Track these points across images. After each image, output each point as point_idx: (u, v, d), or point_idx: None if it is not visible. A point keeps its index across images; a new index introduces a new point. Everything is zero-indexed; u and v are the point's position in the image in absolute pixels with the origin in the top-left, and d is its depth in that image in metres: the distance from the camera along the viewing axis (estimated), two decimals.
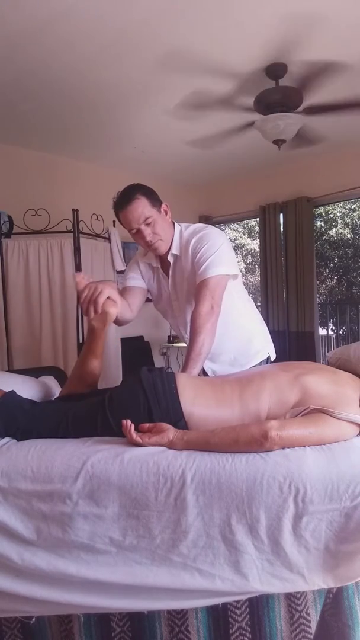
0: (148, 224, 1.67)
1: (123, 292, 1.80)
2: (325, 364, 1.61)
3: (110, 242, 3.77)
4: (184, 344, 1.94)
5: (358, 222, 9.25)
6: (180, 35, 2.41)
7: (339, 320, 6.32)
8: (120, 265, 3.77)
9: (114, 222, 3.12)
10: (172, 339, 4.70)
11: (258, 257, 5.86)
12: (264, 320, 2.05)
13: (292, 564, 1.04)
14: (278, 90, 2.79)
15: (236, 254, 7.37)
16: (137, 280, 1.87)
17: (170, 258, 1.76)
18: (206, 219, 5.22)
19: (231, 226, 9.52)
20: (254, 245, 9.86)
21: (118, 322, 1.73)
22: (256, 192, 4.85)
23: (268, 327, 2.03)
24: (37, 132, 3.59)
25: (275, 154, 3.42)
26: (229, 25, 2.35)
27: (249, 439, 1.07)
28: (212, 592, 1.06)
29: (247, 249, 10.26)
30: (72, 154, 4.12)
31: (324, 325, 6.75)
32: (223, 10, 2.22)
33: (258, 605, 1.12)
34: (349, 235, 9.18)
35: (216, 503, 1.04)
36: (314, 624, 1.11)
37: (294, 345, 4.57)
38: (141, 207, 1.64)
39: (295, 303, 4.57)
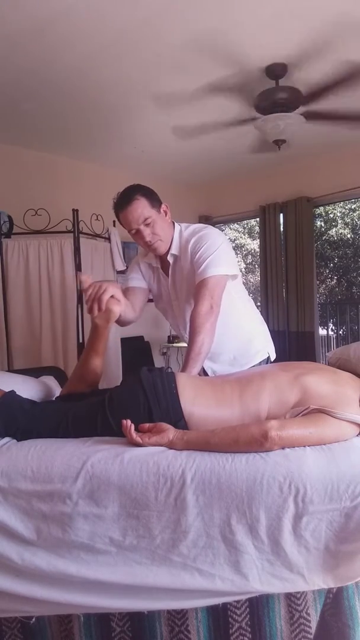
0: (147, 225, 1.67)
1: (125, 292, 1.80)
2: (325, 364, 1.61)
3: (110, 242, 3.76)
4: (184, 344, 1.94)
5: (358, 222, 9.25)
6: (180, 35, 2.41)
7: (339, 320, 6.32)
8: (120, 265, 3.77)
9: (114, 222, 3.12)
10: (172, 339, 4.70)
11: (258, 257, 5.86)
12: (264, 320, 2.05)
13: (292, 564, 1.04)
14: (278, 90, 2.79)
15: (236, 254, 7.37)
16: (139, 280, 1.88)
17: (169, 258, 1.77)
18: (206, 219, 5.22)
19: (231, 226, 9.52)
20: (254, 245, 9.86)
21: (121, 322, 1.74)
22: (256, 192, 4.85)
23: (268, 327, 2.03)
24: (37, 132, 3.59)
25: (275, 154, 3.41)
26: (229, 25, 2.35)
27: (249, 439, 1.07)
28: (212, 592, 1.06)
29: (247, 249, 10.26)
30: (72, 153, 4.12)
31: (324, 325, 6.75)
32: (223, 9, 2.22)
33: (258, 605, 1.12)
34: (349, 235, 9.18)
35: (216, 503, 1.04)
36: (314, 624, 1.11)
37: (294, 345, 4.57)
38: (140, 208, 1.64)
39: (295, 303, 4.57)
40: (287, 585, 1.05)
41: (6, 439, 1.22)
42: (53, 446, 1.15)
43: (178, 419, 1.19)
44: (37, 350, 3.39)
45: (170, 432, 1.13)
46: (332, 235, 9.26)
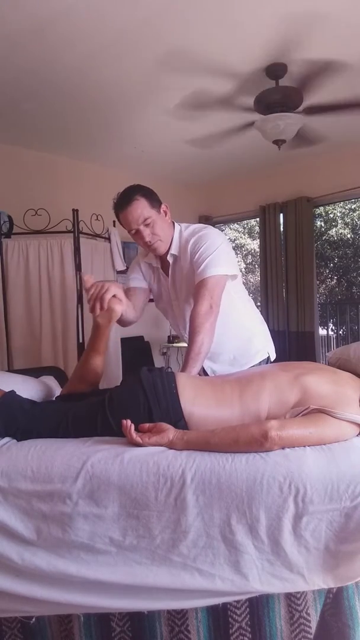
0: (147, 225, 1.68)
1: (126, 293, 1.80)
2: (325, 364, 1.61)
3: (110, 242, 3.76)
4: (184, 344, 1.95)
5: (358, 222, 9.24)
6: (180, 35, 2.41)
7: (339, 320, 6.32)
8: (120, 265, 3.77)
9: (114, 222, 3.12)
10: (172, 339, 4.70)
11: (258, 257, 5.86)
12: (264, 320, 2.05)
13: (292, 564, 1.04)
14: (278, 90, 2.79)
15: (236, 254, 7.37)
16: (140, 281, 1.88)
17: (169, 258, 1.77)
18: (206, 219, 5.22)
19: (231, 226, 9.53)
20: (254, 245, 9.86)
21: (123, 322, 1.74)
22: (256, 192, 4.85)
23: (268, 327, 2.03)
24: (37, 132, 3.59)
25: (275, 154, 3.42)
26: (229, 25, 2.35)
27: (249, 439, 1.07)
28: (212, 592, 1.06)
29: (247, 249, 10.26)
30: (72, 153, 4.12)
31: (324, 325, 6.75)
32: (223, 9, 2.22)
33: (258, 605, 1.12)
34: (349, 235, 9.18)
35: (216, 503, 1.04)
36: (314, 624, 1.11)
37: (294, 345, 4.57)
38: (140, 208, 1.65)
39: (295, 303, 4.57)
40: (287, 585, 1.05)
41: (6, 439, 1.22)
42: (53, 446, 1.15)
43: (178, 419, 1.19)
44: (37, 350, 3.39)
45: (170, 432, 1.13)
46: (332, 235, 9.26)
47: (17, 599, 1.09)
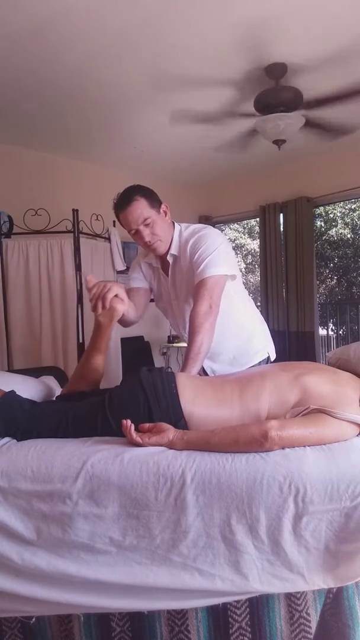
0: (147, 225, 1.68)
1: (128, 293, 1.80)
2: (325, 364, 1.61)
3: (110, 242, 3.76)
4: (184, 344, 1.95)
5: (358, 222, 9.24)
6: (180, 34, 2.41)
7: (339, 320, 6.32)
8: (120, 265, 3.77)
9: (114, 222, 3.12)
10: (172, 339, 4.70)
11: (258, 257, 5.86)
12: (264, 320, 2.05)
13: (292, 564, 1.04)
14: (278, 90, 2.79)
15: (236, 254, 7.38)
16: (140, 281, 1.89)
17: (169, 258, 1.77)
18: (206, 219, 5.22)
19: (231, 226, 9.52)
20: (254, 245, 9.85)
21: (124, 322, 1.74)
22: (256, 192, 4.85)
23: (268, 327, 2.03)
24: (37, 132, 3.59)
25: (275, 154, 3.42)
26: (229, 25, 2.35)
27: (249, 439, 1.07)
28: (212, 592, 1.05)
29: (247, 249, 10.26)
30: (72, 153, 4.12)
31: (324, 325, 6.75)
32: (223, 9, 2.22)
33: (258, 605, 1.12)
34: (349, 235, 9.17)
35: (216, 503, 1.03)
36: (314, 624, 1.11)
37: (294, 345, 4.57)
38: (140, 209, 1.65)
39: (295, 303, 4.57)
40: (287, 585, 1.05)
41: (6, 439, 1.22)
42: (53, 446, 1.15)
43: (178, 419, 1.19)
44: (37, 350, 3.39)
45: (170, 432, 1.13)
46: (332, 235, 9.26)
47: (17, 599, 1.09)
